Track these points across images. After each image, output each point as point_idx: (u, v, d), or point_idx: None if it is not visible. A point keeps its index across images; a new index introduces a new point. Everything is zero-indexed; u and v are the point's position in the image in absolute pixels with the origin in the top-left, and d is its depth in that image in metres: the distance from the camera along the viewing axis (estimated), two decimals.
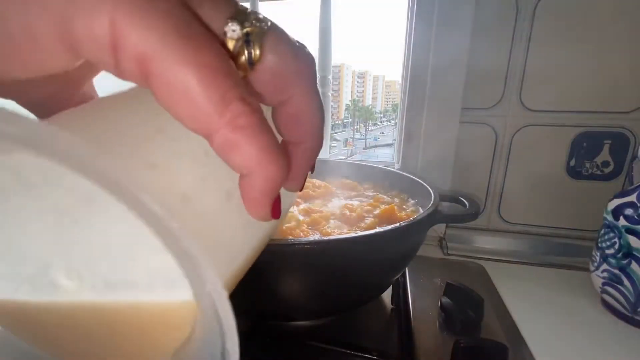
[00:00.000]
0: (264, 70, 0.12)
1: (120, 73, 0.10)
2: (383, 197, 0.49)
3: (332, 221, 0.40)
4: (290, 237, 0.36)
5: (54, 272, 0.12)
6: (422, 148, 0.60)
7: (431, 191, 0.41)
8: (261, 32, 0.12)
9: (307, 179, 0.54)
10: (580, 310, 0.45)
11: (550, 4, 0.51)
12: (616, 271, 0.41)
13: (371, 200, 0.47)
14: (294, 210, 0.41)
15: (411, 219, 0.33)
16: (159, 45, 0.09)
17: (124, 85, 0.12)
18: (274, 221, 0.14)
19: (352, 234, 0.35)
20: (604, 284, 0.43)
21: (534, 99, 0.55)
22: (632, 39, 0.50)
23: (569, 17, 0.51)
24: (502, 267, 0.55)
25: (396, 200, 0.47)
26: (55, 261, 0.12)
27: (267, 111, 0.13)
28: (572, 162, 0.56)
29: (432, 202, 0.38)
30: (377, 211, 0.43)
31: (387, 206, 0.43)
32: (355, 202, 0.47)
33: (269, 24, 0.12)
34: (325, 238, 0.31)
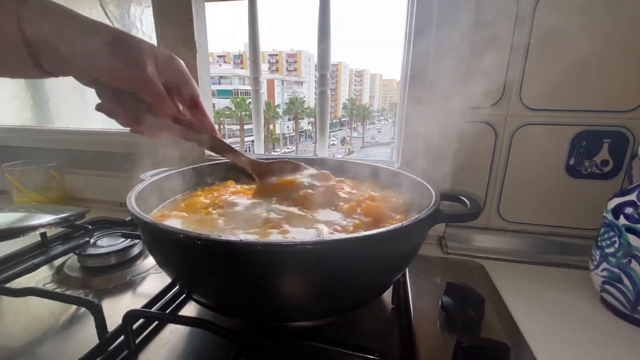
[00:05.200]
0: None
1: None
2: (375, 195, 0.48)
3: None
4: (291, 238, 0.36)
5: None
6: (422, 147, 0.60)
7: (432, 190, 0.41)
8: None
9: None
10: (580, 309, 0.45)
11: (551, 3, 0.51)
12: (616, 270, 0.41)
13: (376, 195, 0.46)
14: None
15: (412, 218, 0.33)
16: None
17: None
18: None
19: (353, 234, 0.35)
20: (603, 282, 0.43)
21: (533, 97, 0.55)
22: (632, 38, 0.50)
23: (569, 15, 0.51)
24: (502, 266, 0.55)
25: (400, 200, 0.46)
26: None
27: None
28: (572, 161, 0.56)
29: (433, 201, 0.38)
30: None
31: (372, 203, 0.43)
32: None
33: None
34: (326, 238, 0.30)
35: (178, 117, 0.38)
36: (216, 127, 0.42)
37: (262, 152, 0.86)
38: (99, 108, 0.34)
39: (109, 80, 0.32)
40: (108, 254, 0.53)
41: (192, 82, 0.38)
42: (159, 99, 0.34)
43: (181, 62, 0.36)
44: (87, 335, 0.38)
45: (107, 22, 0.76)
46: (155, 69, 0.33)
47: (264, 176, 0.47)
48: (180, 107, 0.39)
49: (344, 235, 0.34)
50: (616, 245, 0.41)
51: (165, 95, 0.34)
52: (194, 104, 0.39)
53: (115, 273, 0.51)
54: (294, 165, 0.50)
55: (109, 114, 0.35)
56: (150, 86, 0.33)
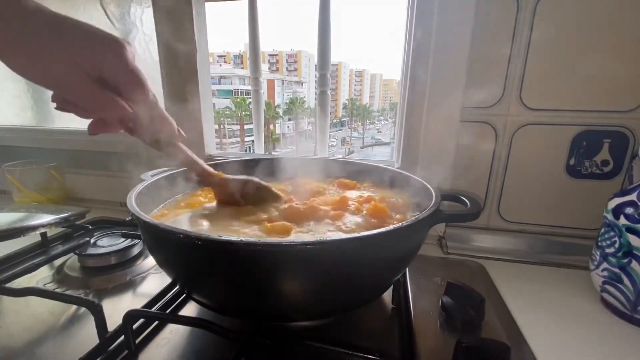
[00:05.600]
0: None
1: None
2: (374, 196, 0.47)
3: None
4: (292, 238, 0.36)
5: None
6: (422, 147, 0.60)
7: (432, 190, 0.41)
8: None
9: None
10: (580, 309, 0.45)
11: (551, 3, 0.51)
12: (616, 270, 0.41)
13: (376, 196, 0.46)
14: None
15: (412, 218, 0.33)
16: None
17: None
18: None
19: (354, 234, 0.35)
20: (604, 282, 0.43)
21: (534, 97, 0.55)
22: (632, 38, 0.50)
23: (569, 16, 0.51)
24: (502, 266, 0.55)
25: (400, 200, 0.46)
26: None
27: None
28: (572, 161, 0.56)
29: (433, 201, 0.38)
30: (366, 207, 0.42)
31: (376, 203, 0.42)
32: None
33: None
34: (327, 238, 0.30)
35: (128, 117, 0.30)
36: (177, 128, 0.35)
37: (263, 152, 0.86)
38: (52, 99, 0.30)
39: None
40: (108, 254, 0.53)
41: (134, 77, 0.29)
42: (84, 102, 0.28)
43: (114, 49, 0.27)
44: (88, 335, 0.38)
45: (108, 22, 0.76)
46: (77, 65, 0.26)
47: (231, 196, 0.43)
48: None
49: (344, 235, 0.34)
50: (616, 245, 0.41)
51: (94, 98, 0.27)
52: (145, 101, 0.31)
53: (115, 273, 0.51)
54: (255, 186, 0.45)
55: (61, 109, 0.30)
56: (69, 92, 0.27)
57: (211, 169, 0.42)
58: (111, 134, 0.33)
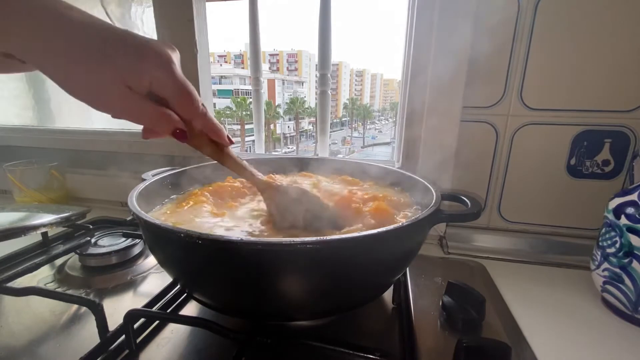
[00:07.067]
0: None
1: None
2: (377, 194, 0.47)
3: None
4: (292, 238, 0.36)
5: None
6: (423, 146, 0.60)
7: (433, 190, 0.41)
8: None
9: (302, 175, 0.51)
10: (580, 309, 0.45)
11: (552, 2, 0.51)
12: (617, 270, 0.41)
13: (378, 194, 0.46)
14: None
15: (413, 218, 0.33)
16: None
17: None
18: None
19: (354, 234, 0.35)
20: (604, 282, 0.43)
21: (534, 97, 0.55)
22: (633, 38, 0.50)
23: (570, 16, 0.51)
24: (503, 266, 0.55)
25: (401, 199, 0.46)
26: None
27: None
28: (573, 161, 0.56)
29: (433, 201, 0.38)
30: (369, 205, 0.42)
31: (379, 202, 0.42)
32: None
33: None
34: (327, 238, 0.30)
35: (181, 128, 0.30)
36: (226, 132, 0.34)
37: (263, 152, 0.86)
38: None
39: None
40: (109, 253, 0.53)
41: (184, 92, 0.28)
42: (134, 119, 0.27)
43: (168, 67, 0.26)
44: (88, 335, 0.38)
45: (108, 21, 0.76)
46: (125, 84, 0.25)
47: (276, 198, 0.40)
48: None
49: (344, 235, 0.34)
50: (617, 245, 0.41)
51: (143, 114, 0.27)
52: (195, 114, 0.30)
53: (116, 272, 0.51)
54: (302, 192, 0.41)
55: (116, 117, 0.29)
56: (117, 112, 0.26)
57: (260, 175, 0.40)
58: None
